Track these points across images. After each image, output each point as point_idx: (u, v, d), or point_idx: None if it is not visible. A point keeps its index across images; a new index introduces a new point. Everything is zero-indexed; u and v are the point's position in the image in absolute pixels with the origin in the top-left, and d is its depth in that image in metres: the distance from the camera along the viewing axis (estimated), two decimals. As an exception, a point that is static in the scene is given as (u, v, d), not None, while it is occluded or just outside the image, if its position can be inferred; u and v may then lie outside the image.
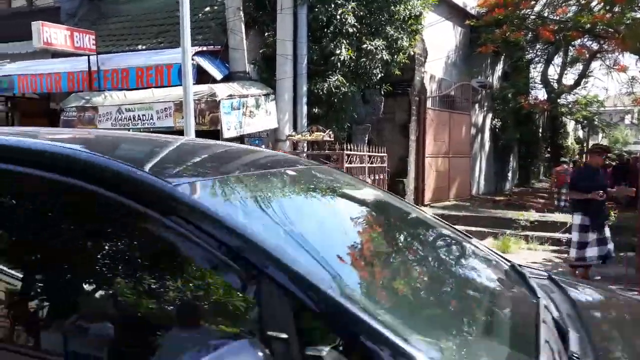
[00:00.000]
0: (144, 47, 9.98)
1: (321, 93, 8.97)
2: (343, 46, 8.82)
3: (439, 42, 12.23)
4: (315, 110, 9.28)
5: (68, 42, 8.42)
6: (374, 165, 9.59)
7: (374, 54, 9.12)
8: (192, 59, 7.35)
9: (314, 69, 9.13)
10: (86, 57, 8.91)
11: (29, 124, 11.05)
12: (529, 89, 18.45)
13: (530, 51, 17.41)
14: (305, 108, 9.19)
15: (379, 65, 9.43)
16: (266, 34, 9.28)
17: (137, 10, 11.00)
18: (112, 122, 8.36)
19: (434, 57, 11.92)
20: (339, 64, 8.87)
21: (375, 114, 10.22)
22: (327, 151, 8.66)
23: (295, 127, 9.17)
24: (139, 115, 8.18)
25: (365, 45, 9.04)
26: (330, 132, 8.76)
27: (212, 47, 9.13)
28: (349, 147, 8.47)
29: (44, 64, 9.99)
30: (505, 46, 14.17)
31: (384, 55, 9.21)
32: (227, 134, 7.84)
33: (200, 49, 8.76)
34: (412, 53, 10.33)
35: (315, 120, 9.21)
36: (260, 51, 9.37)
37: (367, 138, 10.14)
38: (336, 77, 8.89)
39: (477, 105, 15.12)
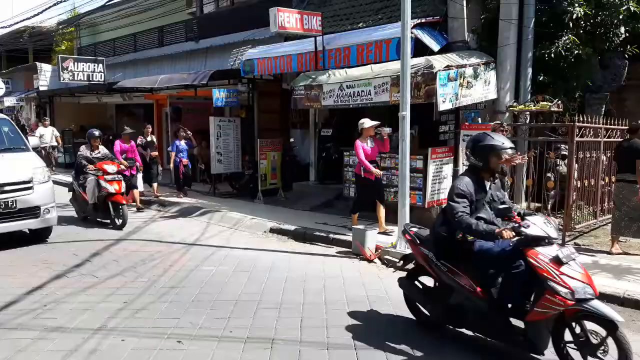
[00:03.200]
0: (364, 24, 10.34)
1: (547, 58, 8.14)
2: (576, 3, 7.84)
3: None
4: (541, 77, 8.48)
5: (298, 24, 9.15)
6: (612, 140, 8.42)
7: (617, 6, 7.89)
8: (411, 32, 7.33)
9: (539, 32, 8.32)
10: (313, 38, 9.60)
11: (265, 102, 12.48)
12: None
13: None
14: (529, 76, 8.47)
15: (623, 21, 8.14)
16: (488, -2, 8.75)
17: (358, -11, 11.40)
18: (334, 99, 8.89)
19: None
20: (570, 23, 7.91)
21: (615, 81, 8.88)
22: (554, 123, 7.88)
23: (517, 98, 8.53)
24: (358, 92, 8.52)
25: (606, -1, 7.89)
26: (559, 102, 7.93)
27: (431, 18, 9.00)
28: (581, 119, 7.56)
29: (278, 48, 11.11)
30: None
31: (630, 7, 7.90)
32: (442, 106, 7.69)
33: (418, 21, 8.70)
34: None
35: (541, 89, 8.43)
36: (482, 17, 8.88)
37: (604, 109, 8.92)
38: (567, 38, 7.95)
39: None
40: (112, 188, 8.82)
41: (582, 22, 8.09)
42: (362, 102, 8.46)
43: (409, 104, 6.86)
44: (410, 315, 4.72)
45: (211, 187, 12.33)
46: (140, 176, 11.35)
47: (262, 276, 6.12)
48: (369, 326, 4.60)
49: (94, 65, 16.74)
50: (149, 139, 11.84)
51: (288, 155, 12.26)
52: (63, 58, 16.63)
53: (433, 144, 8.56)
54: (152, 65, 16.76)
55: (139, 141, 11.55)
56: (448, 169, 8.55)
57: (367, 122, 7.99)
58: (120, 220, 8.83)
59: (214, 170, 12.13)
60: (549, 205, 7.95)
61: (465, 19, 8.70)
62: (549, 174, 7.92)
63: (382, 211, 8.04)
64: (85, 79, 16.58)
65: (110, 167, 9.08)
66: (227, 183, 12.80)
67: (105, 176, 8.91)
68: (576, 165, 7.58)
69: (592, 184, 8.10)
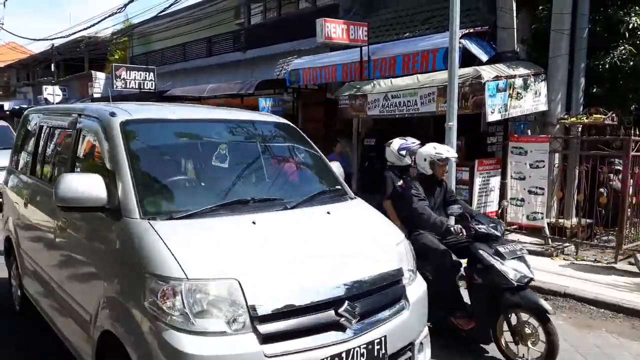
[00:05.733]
0: (410, 34, 10.30)
1: (601, 69, 7.88)
2: (632, 12, 7.59)
3: None
4: (594, 89, 8.21)
5: (344, 35, 9.21)
6: (671, 154, 8.03)
7: None
8: (459, 42, 7.25)
9: (593, 43, 8.08)
10: (358, 48, 9.63)
11: (309, 112, 12.58)
12: None
13: None
14: (582, 87, 8.22)
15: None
16: (540, 7, 8.54)
17: (405, -1, 11.38)
18: (379, 109, 8.88)
19: None
20: (626, 33, 7.65)
21: (678, 93, 8.49)
22: (608, 136, 7.60)
23: (568, 110, 8.29)
24: (403, 102, 8.49)
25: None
26: (613, 115, 7.65)
27: (479, 28, 8.89)
28: (637, 132, 7.26)
29: (323, 58, 11.20)
30: None
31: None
32: (490, 117, 7.56)
33: (466, 31, 8.60)
34: None
35: (594, 101, 8.16)
36: (533, 26, 8.69)
37: (663, 122, 8.54)
38: (622, 48, 7.68)
39: None
40: None
41: (638, 32, 7.80)
42: (409, 112, 8.42)
43: (455, 114, 6.77)
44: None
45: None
46: None
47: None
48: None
49: (145, 74, 17.27)
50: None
51: (331, 164, 12.26)
52: (116, 67, 17.25)
53: (479, 156, 8.40)
54: (201, 74, 17.20)
55: None
56: (495, 181, 8.36)
57: None
58: None
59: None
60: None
61: (515, 29, 8.54)
62: (601, 189, 7.64)
63: None
64: (137, 87, 17.11)
65: None
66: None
67: None
68: (631, 180, 7.28)
69: (649, 200, 7.75)
